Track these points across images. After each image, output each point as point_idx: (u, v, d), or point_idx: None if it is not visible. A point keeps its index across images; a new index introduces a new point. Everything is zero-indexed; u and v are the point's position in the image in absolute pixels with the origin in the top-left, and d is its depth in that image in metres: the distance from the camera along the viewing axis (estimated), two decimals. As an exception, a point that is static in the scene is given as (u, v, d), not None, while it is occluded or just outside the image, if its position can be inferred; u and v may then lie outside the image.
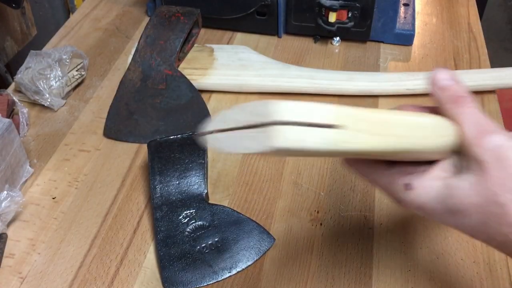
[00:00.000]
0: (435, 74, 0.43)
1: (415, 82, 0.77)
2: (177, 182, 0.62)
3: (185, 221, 0.60)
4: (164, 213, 0.60)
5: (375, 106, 0.77)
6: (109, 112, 0.74)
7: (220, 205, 0.62)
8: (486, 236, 0.39)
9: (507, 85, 0.78)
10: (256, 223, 0.60)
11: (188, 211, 0.60)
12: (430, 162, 0.42)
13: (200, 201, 0.61)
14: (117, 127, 0.73)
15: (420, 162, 0.42)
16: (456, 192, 0.39)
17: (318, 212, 0.63)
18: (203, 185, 0.62)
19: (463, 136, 0.39)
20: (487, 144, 0.38)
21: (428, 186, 0.40)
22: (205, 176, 0.63)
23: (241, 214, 0.61)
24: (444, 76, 0.42)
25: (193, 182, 0.62)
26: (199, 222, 0.60)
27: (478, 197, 0.38)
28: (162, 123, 0.73)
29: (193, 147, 0.64)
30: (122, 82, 0.74)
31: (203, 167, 0.63)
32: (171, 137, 0.65)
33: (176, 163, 0.63)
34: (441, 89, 0.42)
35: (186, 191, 0.62)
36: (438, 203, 0.40)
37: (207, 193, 0.63)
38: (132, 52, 0.77)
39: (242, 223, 0.60)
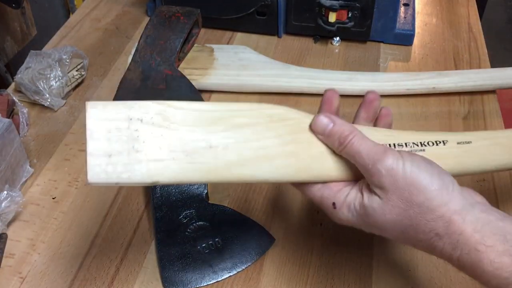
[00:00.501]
0: (314, 124, 0.46)
1: (415, 82, 0.77)
2: (177, 182, 0.62)
3: (185, 221, 0.60)
4: (164, 213, 0.60)
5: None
6: (109, 112, 0.74)
7: (220, 205, 0.62)
8: (412, 244, 0.44)
9: (507, 85, 0.78)
10: (256, 223, 0.60)
11: (188, 211, 0.60)
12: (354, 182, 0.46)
13: (200, 201, 0.61)
14: (117, 127, 0.73)
15: (345, 183, 0.46)
16: (370, 212, 0.43)
17: (318, 212, 0.63)
18: (203, 185, 0.62)
19: (361, 169, 0.44)
20: (381, 170, 0.42)
21: (348, 206, 0.45)
22: (205, 176, 0.63)
23: (241, 214, 0.61)
24: (322, 122, 0.45)
25: (193, 182, 0.62)
26: (199, 222, 0.60)
27: (389, 215, 0.42)
28: (162, 123, 0.73)
29: (193, 147, 0.64)
30: (122, 82, 0.74)
31: (203, 167, 0.63)
32: (171, 137, 0.65)
33: (176, 163, 0.63)
34: (325, 136, 0.46)
35: (186, 191, 0.62)
36: (360, 221, 0.45)
37: (207, 193, 0.63)
38: (132, 52, 0.77)
39: (242, 223, 0.60)
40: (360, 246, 0.59)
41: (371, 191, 0.43)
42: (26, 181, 0.67)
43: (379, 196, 0.43)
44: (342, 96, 0.78)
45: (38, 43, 1.06)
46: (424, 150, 0.48)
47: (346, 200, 0.45)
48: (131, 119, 0.40)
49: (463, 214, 0.40)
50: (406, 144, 0.48)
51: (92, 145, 0.39)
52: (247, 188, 0.66)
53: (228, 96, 0.79)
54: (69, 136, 0.73)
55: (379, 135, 0.48)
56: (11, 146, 0.63)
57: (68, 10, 1.53)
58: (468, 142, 0.50)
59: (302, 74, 0.79)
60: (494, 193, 0.64)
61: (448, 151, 0.49)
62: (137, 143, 0.40)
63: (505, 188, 0.65)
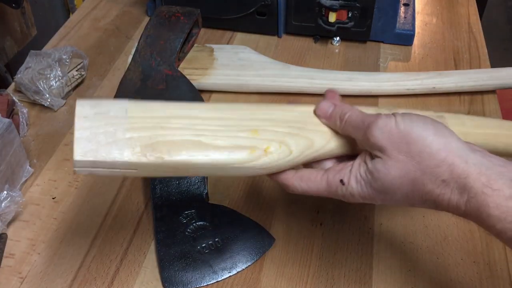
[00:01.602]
0: (317, 109, 0.50)
1: (415, 82, 0.77)
2: (177, 182, 0.62)
3: (185, 221, 0.60)
4: (164, 213, 0.60)
5: (375, 106, 0.77)
6: (109, 112, 0.74)
7: (220, 205, 0.62)
8: (420, 200, 0.44)
9: (507, 85, 0.78)
10: (256, 223, 0.61)
11: (188, 211, 0.60)
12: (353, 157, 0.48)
13: (200, 201, 0.61)
14: (117, 127, 0.73)
15: (346, 159, 0.49)
16: (376, 175, 0.44)
17: (318, 212, 0.63)
18: (203, 185, 0.62)
19: (359, 139, 0.46)
20: (375, 130, 0.44)
21: (355, 177, 0.46)
22: (205, 176, 0.63)
23: (241, 214, 0.61)
24: (324, 106, 0.49)
25: (193, 182, 0.62)
26: (199, 222, 0.60)
27: (394, 172, 0.43)
28: (162, 123, 0.73)
29: (193, 147, 0.64)
30: (122, 82, 0.74)
31: (203, 167, 0.63)
32: (171, 137, 0.65)
33: (176, 163, 0.63)
34: (327, 118, 0.49)
35: (186, 191, 0.62)
36: (370, 189, 0.45)
37: (207, 193, 0.63)
38: (132, 52, 0.77)
39: (242, 223, 0.60)
40: (360, 246, 0.59)
41: (372, 157, 0.45)
42: (26, 181, 0.67)
43: (380, 157, 0.44)
44: (342, 96, 0.78)
45: (38, 43, 1.06)
46: None
47: (351, 173, 0.46)
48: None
49: (464, 157, 0.41)
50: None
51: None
52: (247, 188, 0.66)
53: (228, 96, 0.79)
54: (69, 136, 0.73)
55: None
56: (11, 146, 0.63)
57: (68, 10, 1.53)
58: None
59: (302, 74, 0.79)
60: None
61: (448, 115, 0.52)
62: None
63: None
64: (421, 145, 0.42)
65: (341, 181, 0.46)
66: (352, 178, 0.46)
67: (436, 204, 0.43)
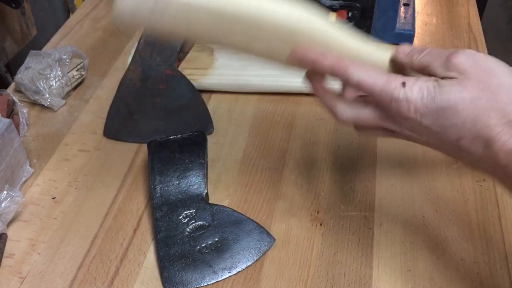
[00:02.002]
0: (398, 49, 0.49)
1: (415, 82, 0.77)
2: (177, 182, 0.62)
3: (185, 221, 0.60)
4: (164, 213, 0.60)
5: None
6: (109, 112, 0.74)
7: (220, 205, 0.62)
8: (473, 135, 0.43)
9: (507, 85, 0.77)
10: (256, 223, 0.61)
11: (188, 211, 0.60)
12: None
13: (200, 201, 0.61)
14: (117, 127, 0.73)
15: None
16: (447, 89, 0.43)
17: (318, 212, 0.63)
18: (203, 185, 0.62)
19: (439, 62, 0.45)
20: (462, 56, 0.44)
21: (420, 84, 0.44)
22: (205, 176, 0.63)
23: (241, 214, 0.61)
24: (404, 46, 0.49)
25: (193, 182, 0.62)
26: (199, 222, 0.60)
27: (467, 93, 0.42)
28: (162, 123, 0.73)
29: (193, 147, 0.64)
30: (122, 82, 0.74)
31: (203, 167, 0.63)
32: (171, 137, 0.65)
33: (176, 163, 0.63)
34: (407, 54, 0.48)
35: (186, 191, 0.62)
36: (429, 102, 0.43)
37: (207, 193, 0.63)
38: (132, 52, 0.77)
39: (242, 223, 0.60)
40: (360, 246, 0.59)
41: (443, 79, 0.44)
42: (26, 181, 0.67)
43: (457, 78, 0.43)
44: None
45: (38, 43, 1.06)
46: None
47: (417, 81, 0.44)
48: None
49: None
50: None
51: None
52: (247, 188, 0.66)
53: (228, 96, 0.79)
54: (69, 136, 0.73)
55: None
56: (11, 146, 0.63)
57: (68, 10, 1.53)
58: None
59: (302, 74, 0.78)
60: (494, 193, 0.64)
61: None
62: None
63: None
64: (502, 81, 0.42)
65: (403, 83, 0.44)
66: (417, 85, 0.44)
67: (487, 144, 0.42)
